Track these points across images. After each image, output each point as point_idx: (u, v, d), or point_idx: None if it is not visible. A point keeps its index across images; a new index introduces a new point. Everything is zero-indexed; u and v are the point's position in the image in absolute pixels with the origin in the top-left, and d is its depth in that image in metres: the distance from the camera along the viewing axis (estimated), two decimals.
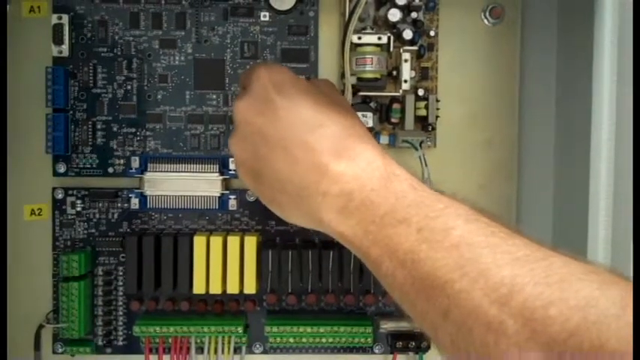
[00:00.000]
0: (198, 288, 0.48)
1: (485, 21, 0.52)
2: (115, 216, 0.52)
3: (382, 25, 0.51)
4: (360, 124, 0.38)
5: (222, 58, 0.51)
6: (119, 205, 0.51)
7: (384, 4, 0.50)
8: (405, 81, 0.49)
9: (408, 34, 0.50)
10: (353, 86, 0.48)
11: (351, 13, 0.45)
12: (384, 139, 0.51)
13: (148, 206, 0.50)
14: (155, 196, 0.50)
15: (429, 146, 0.51)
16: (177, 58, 0.51)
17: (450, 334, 0.29)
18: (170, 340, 0.50)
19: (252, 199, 0.51)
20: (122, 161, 0.51)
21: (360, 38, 0.48)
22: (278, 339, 0.50)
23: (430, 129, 0.51)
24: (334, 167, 0.35)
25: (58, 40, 0.50)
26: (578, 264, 0.28)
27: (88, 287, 0.51)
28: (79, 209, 0.51)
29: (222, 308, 0.51)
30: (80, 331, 0.49)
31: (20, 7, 0.50)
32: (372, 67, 0.48)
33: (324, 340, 0.50)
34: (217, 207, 0.51)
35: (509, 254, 0.29)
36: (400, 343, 0.51)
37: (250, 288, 0.49)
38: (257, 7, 0.51)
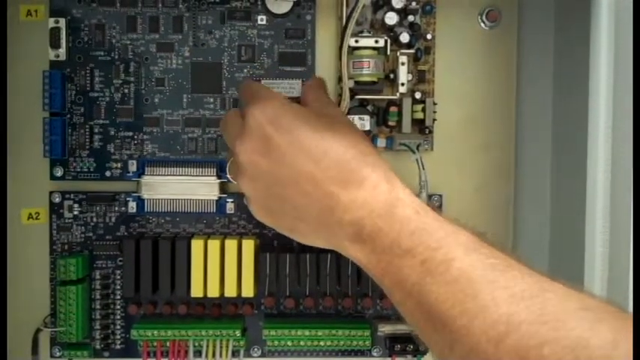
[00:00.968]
0: (196, 291, 0.48)
1: (482, 24, 0.52)
2: (113, 220, 0.52)
3: (379, 28, 0.51)
4: (360, 138, 0.40)
5: (219, 62, 0.51)
6: (116, 208, 0.51)
7: (381, 7, 0.50)
8: (402, 84, 0.49)
9: (405, 38, 0.50)
10: (350, 89, 0.48)
11: (349, 17, 0.45)
12: (382, 142, 0.51)
13: (146, 210, 0.50)
14: (152, 199, 0.50)
15: (426, 149, 0.51)
16: (174, 61, 0.51)
17: None
18: (168, 343, 0.50)
19: None
20: (119, 165, 0.51)
21: (357, 41, 0.48)
22: (276, 342, 0.50)
23: (427, 132, 0.51)
24: (344, 197, 0.37)
25: (55, 44, 0.50)
26: (572, 300, 0.30)
27: (85, 291, 0.50)
28: (76, 213, 0.51)
29: (220, 312, 0.51)
30: (78, 335, 0.49)
31: (17, 11, 0.50)
32: (369, 70, 0.48)
33: (322, 343, 0.50)
34: (215, 210, 0.51)
35: (507, 290, 0.31)
36: (398, 346, 0.51)
37: (248, 291, 0.48)
38: (254, 10, 0.51)
